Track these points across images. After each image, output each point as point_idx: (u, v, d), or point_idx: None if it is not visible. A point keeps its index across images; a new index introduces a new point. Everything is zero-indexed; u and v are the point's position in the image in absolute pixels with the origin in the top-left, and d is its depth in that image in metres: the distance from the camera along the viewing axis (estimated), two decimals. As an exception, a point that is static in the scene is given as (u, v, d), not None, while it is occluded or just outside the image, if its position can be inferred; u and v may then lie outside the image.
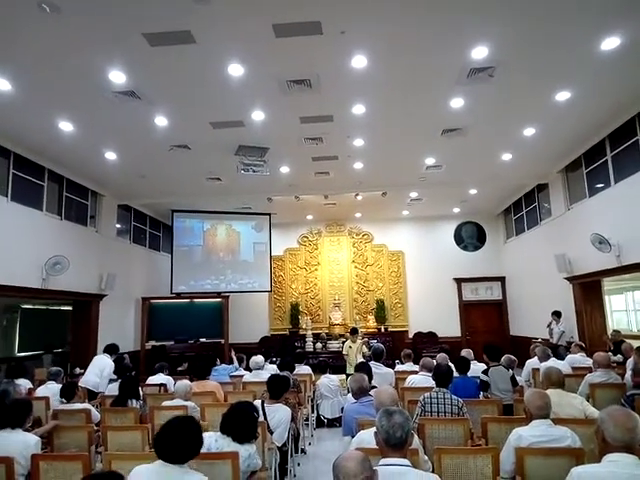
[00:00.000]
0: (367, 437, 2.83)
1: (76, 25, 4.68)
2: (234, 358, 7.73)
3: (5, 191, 7.54)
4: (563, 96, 6.57)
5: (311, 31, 4.95)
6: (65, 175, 9.00)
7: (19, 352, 11.12)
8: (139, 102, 6.27)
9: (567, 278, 9.49)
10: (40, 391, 5.46)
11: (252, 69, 5.64)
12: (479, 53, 5.45)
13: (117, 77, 5.62)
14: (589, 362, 6.03)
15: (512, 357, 5.47)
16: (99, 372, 6.43)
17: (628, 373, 4.93)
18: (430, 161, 9.15)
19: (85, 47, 5.06)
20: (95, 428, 4.06)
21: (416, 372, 5.76)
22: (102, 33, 4.84)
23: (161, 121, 6.89)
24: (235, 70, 5.60)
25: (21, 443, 3.09)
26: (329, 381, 6.90)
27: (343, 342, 10.73)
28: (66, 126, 6.94)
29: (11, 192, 7.63)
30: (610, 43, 5.30)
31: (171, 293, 11.97)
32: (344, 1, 4.49)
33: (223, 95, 6.24)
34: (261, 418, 3.77)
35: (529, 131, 7.77)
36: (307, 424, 6.25)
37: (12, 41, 4.89)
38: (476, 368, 6.01)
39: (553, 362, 5.84)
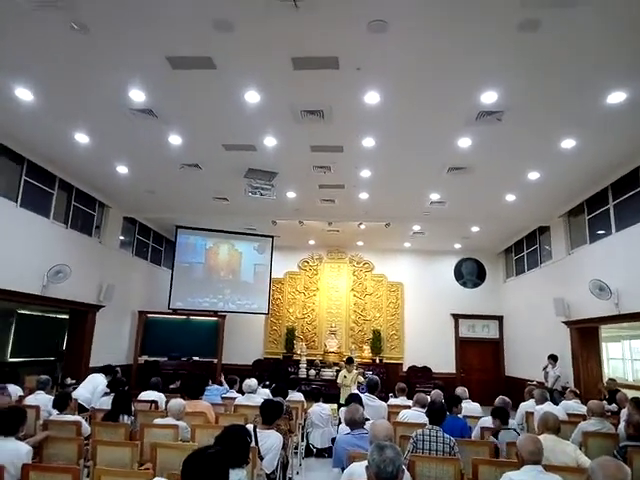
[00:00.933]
0: (358, 469, 2.83)
1: (103, 45, 4.86)
2: (223, 382, 7.68)
3: (15, 197, 7.66)
4: (568, 144, 6.72)
5: (328, 65, 5.13)
6: (75, 185, 9.13)
7: (11, 357, 11.05)
8: (155, 120, 6.44)
9: (565, 322, 9.49)
10: (29, 400, 5.41)
11: (268, 97, 5.81)
12: (488, 98, 5.62)
13: (137, 95, 5.79)
14: (583, 409, 5.99)
15: (506, 399, 5.43)
16: (92, 389, 6.39)
17: (622, 424, 4.90)
18: (435, 197, 9.28)
19: (109, 65, 5.24)
20: (84, 441, 4.04)
21: (409, 407, 5.72)
22: (127, 54, 5.02)
23: (175, 140, 7.05)
24: (251, 97, 5.78)
25: (13, 451, 3.09)
26: (321, 410, 6.85)
27: (337, 370, 10.67)
28: (82, 138, 7.10)
29: (21, 198, 7.75)
30: (616, 97, 5.48)
31: (168, 308, 11.96)
32: (362, 40, 4.67)
33: (238, 119, 6.41)
34: (252, 443, 3.75)
35: (533, 175, 7.91)
36: (296, 452, 6.18)
37: (39, 55, 5.07)
38: (470, 407, 5.99)
39: (549, 406, 5.80)
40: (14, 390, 5.83)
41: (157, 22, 4.52)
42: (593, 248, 8.77)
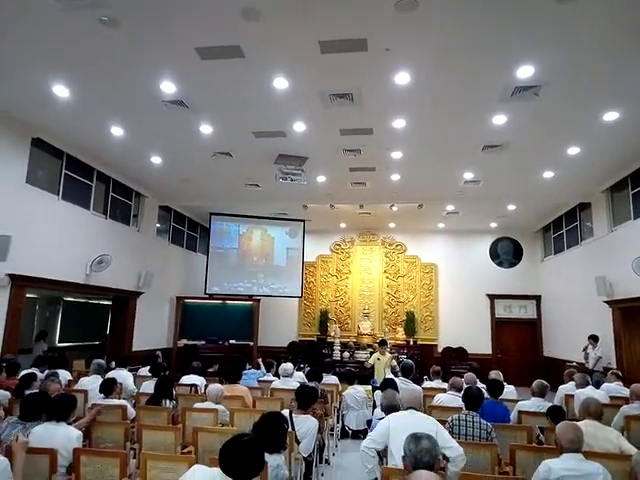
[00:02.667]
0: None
1: (133, 38, 4.92)
2: (261, 365, 7.86)
3: (57, 190, 7.95)
4: (611, 116, 6.41)
5: (356, 48, 5.03)
6: (112, 176, 9.40)
7: (59, 343, 11.63)
8: (187, 111, 6.51)
9: (607, 302, 9.18)
10: (82, 384, 5.66)
11: (296, 83, 5.77)
12: (525, 72, 5.40)
13: (168, 87, 5.87)
14: (626, 392, 5.82)
15: (544, 382, 5.32)
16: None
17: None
18: (468, 176, 9.06)
19: (140, 59, 5.31)
20: (130, 424, 4.23)
21: (444, 390, 5.70)
22: (157, 46, 5.07)
23: (206, 129, 7.13)
24: (280, 83, 5.75)
25: (64, 436, 3.27)
26: (355, 392, 6.92)
27: (371, 352, 10.73)
28: (117, 131, 7.28)
29: (62, 191, 8.04)
30: (663, 66, 5.16)
31: (205, 294, 12.26)
32: (391, 20, 4.55)
33: (267, 106, 6.40)
34: (289, 428, 3.84)
35: (573, 150, 7.60)
36: (332, 434, 6.29)
37: (72, 51, 5.19)
38: (506, 391, 5.91)
39: (591, 390, 5.67)
40: (63, 375, 6.14)
41: (185, 13, 4.53)
42: (638, 224, 8.40)
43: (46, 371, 5.93)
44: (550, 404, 4.91)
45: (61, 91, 6.04)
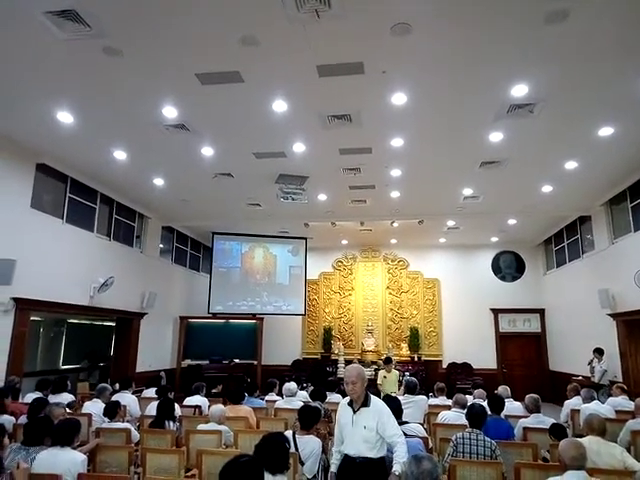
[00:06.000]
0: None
1: (135, 67, 5.06)
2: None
3: (61, 213, 8.06)
4: (606, 131, 6.50)
5: (353, 71, 5.15)
6: (116, 198, 9.52)
7: (63, 365, 11.62)
8: (188, 134, 6.64)
9: (610, 315, 9.16)
10: (87, 407, 5.65)
11: (295, 105, 5.89)
12: (519, 91, 5.50)
13: (169, 112, 6.00)
14: (632, 406, 5.79)
15: (535, 396, 5.24)
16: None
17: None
18: (468, 192, 9.14)
19: (141, 85, 5.45)
20: (134, 448, 4.24)
21: (449, 407, 5.67)
22: (158, 74, 5.21)
23: (207, 151, 7.25)
24: (279, 106, 5.87)
25: (69, 461, 3.28)
26: (360, 411, 6.87)
27: (375, 369, 10.67)
28: (120, 155, 7.41)
29: (66, 215, 8.15)
30: (654, 83, 5.26)
31: (208, 313, 12.27)
32: (386, 43, 4.67)
33: (267, 128, 6.52)
34: (292, 449, 3.84)
35: (570, 164, 7.67)
36: (337, 454, 6.22)
37: (76, 79, 5.33)
38: (512, 407, 5.88)
39: (596, 405, 5.64)
40: (66, 398, 6.12)
41: (185, 41, 4.66)
42: (638, 236, 8.42)
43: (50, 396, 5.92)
44: (551, 420, 4.89)
45: (65, 117, 6.17)
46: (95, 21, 4.32)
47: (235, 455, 2.41)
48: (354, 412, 3.26)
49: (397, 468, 3.00)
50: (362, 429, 3.19)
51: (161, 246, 11.61)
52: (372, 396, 3.30)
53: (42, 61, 4.98)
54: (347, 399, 3.36)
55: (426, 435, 4.52)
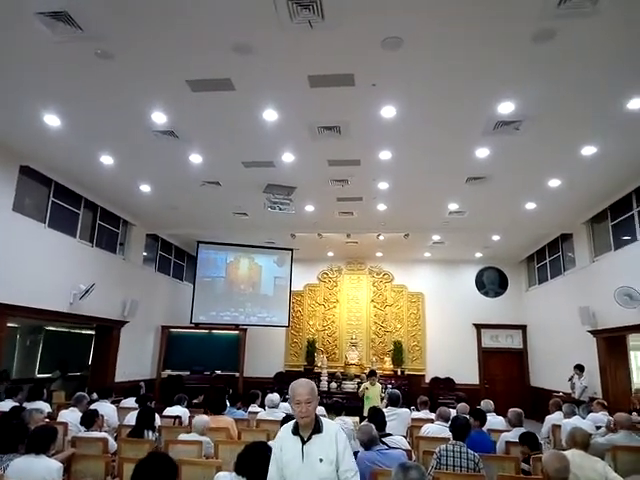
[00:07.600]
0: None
1: (126, 71, 5.04)
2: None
3: (43, 217, 7.91)
4: (589, 151, 6.65)
5: (344, 82, 5.20)
6: (100, 204, 9.39)
7: (39, 373, 11.31)
8: (177, 141, 6.60)
9: (591, 331, 9.29)
10: (63, 415, 5.50)
11: (286, 115, 5.91)
12: (505, 108, 5.61)
13: (158, 118, 5.97)
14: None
15: (518, 410, 5.27)
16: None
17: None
18: (453, 207, 9.24)
19: (131, 90, 5.42)
20: (111, 458, 4.12)
21: (432, 420, 5.67)
22: (149, 79, 5.19)
23: (196, 158, 7.21)
24: (269, 115, 5.89)
25: (44, 469, 3.18)
26: (343, 424, 6.76)
27: (358, 383, 10.60)
28: (107, 159, 7.32)
29: (49, 219, 8.00)
30: (636, 103, 5.41)
31: (190, 323, 12.10)
32: (377, 56, 4.73)
33: (256, 137, 6.53)
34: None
35: (554, 182, 7.82)
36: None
37: (65, 82, 5.28)
38: (494, 421, 5.91)
39: (577, 420, 5.69)
40: (42, 407, 5.94)
41: (177, 48, 4.66)
42: (618, 254, 8.59)
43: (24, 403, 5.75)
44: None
45: (52, 120, 6.09)
46: (87, 24, 4.30)
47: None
48: (304, 442, 2.48)
49: None
50: (317, 463, 2.41)
51: (145, 254, 11.45)
52: (323, 418, 2.59)
53: (31, 62, 4.92)
54: (289, 426, 2.59)
55: (409, 447, 4.49)
